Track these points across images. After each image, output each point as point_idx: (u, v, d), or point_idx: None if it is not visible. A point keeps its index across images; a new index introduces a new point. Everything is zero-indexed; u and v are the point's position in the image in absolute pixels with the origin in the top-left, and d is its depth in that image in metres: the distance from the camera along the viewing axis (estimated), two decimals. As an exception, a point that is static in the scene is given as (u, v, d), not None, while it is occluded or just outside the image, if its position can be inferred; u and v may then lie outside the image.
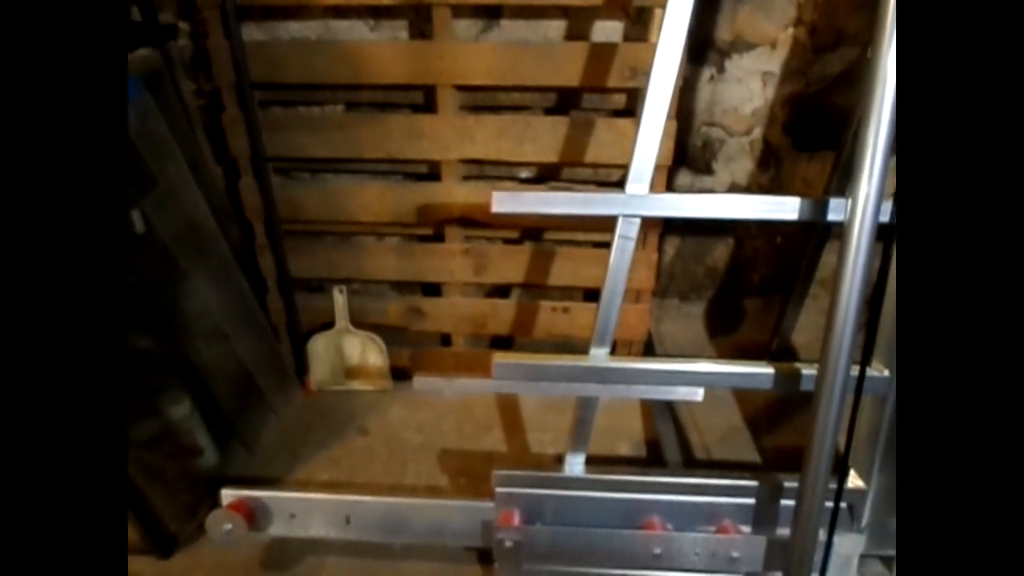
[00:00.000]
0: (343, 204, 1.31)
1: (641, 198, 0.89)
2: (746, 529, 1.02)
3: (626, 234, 0.92)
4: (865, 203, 0.76)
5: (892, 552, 1.05)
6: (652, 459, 1.33)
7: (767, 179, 1.41)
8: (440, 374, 1.52)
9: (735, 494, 1.02)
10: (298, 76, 1.21)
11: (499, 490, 1.03)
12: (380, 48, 1.19)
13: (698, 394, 0.96)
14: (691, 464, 1.30)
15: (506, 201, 0.90)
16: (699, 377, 0.96)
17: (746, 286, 1.58)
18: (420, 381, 0.99)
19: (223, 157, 1.33)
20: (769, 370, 0.95)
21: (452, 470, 1.31)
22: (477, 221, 1.32)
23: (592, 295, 1.47)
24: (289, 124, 1.27)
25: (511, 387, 0.98)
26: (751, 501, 1.01)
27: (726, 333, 1.64)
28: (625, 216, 0.90)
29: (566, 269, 1.36)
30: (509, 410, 1.45)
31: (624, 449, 1.35)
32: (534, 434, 1.40)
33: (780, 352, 1.53)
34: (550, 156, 1.23)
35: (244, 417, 1.34)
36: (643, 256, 1.35)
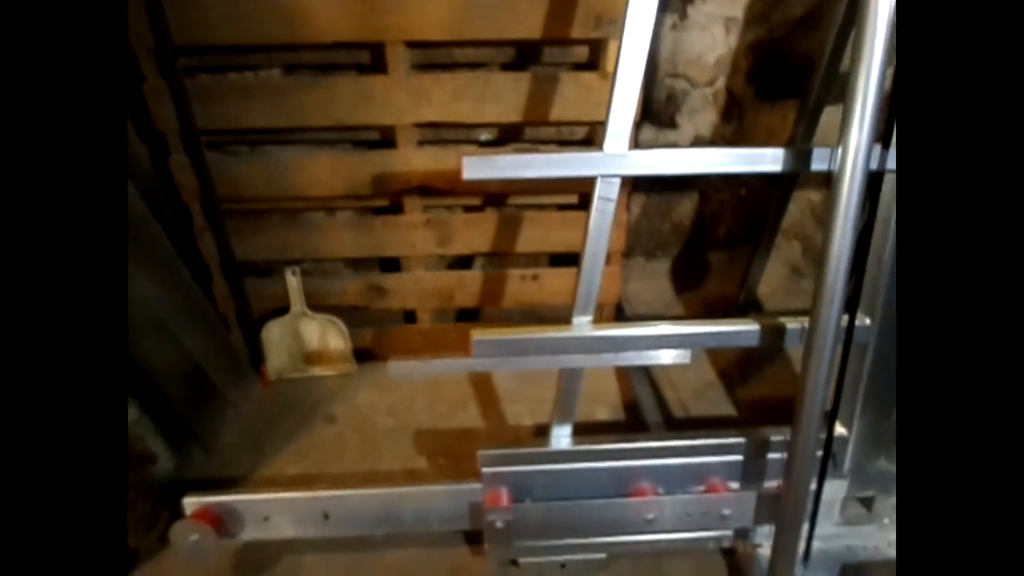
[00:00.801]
0: (289, 178, 1.20)
1: (621, 157, 0.84)
2: (734, 485, 1.02)
3: (606, 195, 0.86)
4: (856, 151, 0.73)
5: (871, 493, 1.08)
6: (632, 421, 1.32)
7: (730, 131, 1.39)
8: (409, 354, 1.46)
9: (722, 452, 1.01)
10: (227, 37, 1.08)
11: (485, 470, 0.98)
12: (319, 1, 1.07)
13: (687, 357, 0.94)
14: (671, 423, 1.29)
15: (477, 167, 0.83)
16: (686, 339, 0.93)
17: (711, 240, 1.57)
18: (395, 367, 0.93)
19: (147, 133, 1.19)
20: (755, 327, 0.92)
21: (429, 451, 1.26)
22: (437, 189, 1.24)
23: (559, 260, 1.42)
24: (221, 92, 1.14)
25: (492, 364, 0.93)
26: (738, 458, 1.01)
27: (692, 288, 1.64)
28: (605, 176, 0.85)
29: (534, 235, 1.31)
30: (482, 385, 1.40)
31: (603, 414, 1.34)
32: (510, 406, 1.36)
33: (747, 304, 1.53)
34: (513, 116, 1.16)
35: (199, 416, 1.24)
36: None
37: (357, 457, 1.25)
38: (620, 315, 1.50)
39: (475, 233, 1.30)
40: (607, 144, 0.84)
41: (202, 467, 1.21)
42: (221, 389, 1.30)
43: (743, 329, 0.93)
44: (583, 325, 0.92)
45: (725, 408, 1.36)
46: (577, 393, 0.98)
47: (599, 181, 0.85)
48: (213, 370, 1.27)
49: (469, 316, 1.47)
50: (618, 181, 0.86)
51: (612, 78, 0.81)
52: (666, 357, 0.94)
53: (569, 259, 1.39)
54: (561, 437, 1.00)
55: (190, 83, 1.13)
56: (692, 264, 1.62)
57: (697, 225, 1.53)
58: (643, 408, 1.29)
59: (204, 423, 1.26)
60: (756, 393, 1.38)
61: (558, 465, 0.99)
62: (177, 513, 0.99)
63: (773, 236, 1.41)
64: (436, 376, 1.42)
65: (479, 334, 0.90)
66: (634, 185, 1.40)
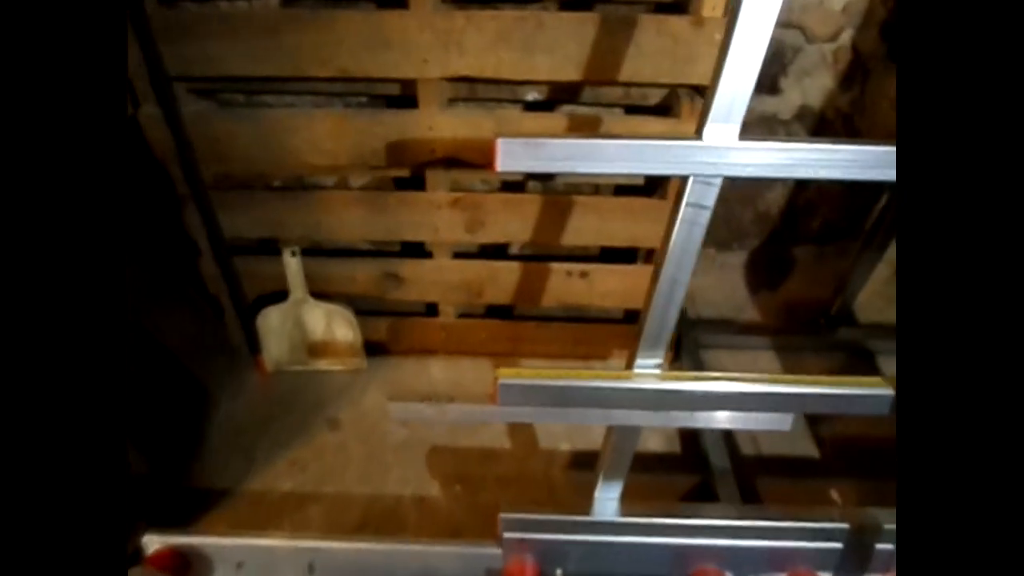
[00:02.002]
0: (284, 140, 0.97)
1: (728, 151, 0.57)
2: (826, 576, 0.80)
3: (699, 201, 0.61)
4: None
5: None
6: (688, 455, 1.09)
7: (847, 101, 1.08)
8: (428, 351, 1.25)
9: (813, 537, 0.78)
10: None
11: (507, 536, 0.78)
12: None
13: (786, 423, 0.70)
14: (737, 461, 1.06)
15: (517, 154, 0.58)
16: (787, 400, 0.68)
17: (801, 233, 1.29)
18: (396, 408, 0.71)
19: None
20: (888, 392, 0.67)
21: (444, 474, 1.06)
22: (467, 162, 0.99)
23: (610, 255, 1.16)
24: (200, 28, 0.89)
25: (522, 415, 0.71)
26: (835, 545, 0.78)
27: (771, 288, 1.37)
28: (701, 177, 0.59)
29: (586, 224, 1.05)
30: (512, 394, 1.18)
31: (655, 443, 1.11)
32: (543, 425, 1.14)
33: (840, 315, 1.26)
34: (571, 72, 0.88)
35: (179, 413, 1.07)
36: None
37: (361, 475, 1.07)
38: (680, 317, 1.24)
39: (513, 218, 1.05)
40: (709, 129, 0.58)
41: (186, 473, 1.05)
42: (204, 382, 1.12)
43: (872, 394, 0.67)
44: (648, 374, 0.68)
45: (805, 447, 1.11)
46: (631, 452, 0.75)
47: (691, 182, 0.60)
48: (195, 360, 1.09)
49: (501, 311, 1.24)
50: (719, 182, 0.60)
51: (728, 28, 0.54)
52: (756, 422, 0.70)
53: (627, 255, 1.13)
54: (606, 501, 0.79)
55: (169, 13, 0.89)
56: (773, 259, 1.35)
57: (787, 214, 1.24)
58: (705, 441, 1.06)
59: (186, 421, 1.08)
60: (845, 431, 1.13)
61: (600, 537, 0.78)
62: (149, 526, 0.83)
63: (890, 236, 1.12)
64: (456, 376, 1.22)
65: (506, 376, 0.67)
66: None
